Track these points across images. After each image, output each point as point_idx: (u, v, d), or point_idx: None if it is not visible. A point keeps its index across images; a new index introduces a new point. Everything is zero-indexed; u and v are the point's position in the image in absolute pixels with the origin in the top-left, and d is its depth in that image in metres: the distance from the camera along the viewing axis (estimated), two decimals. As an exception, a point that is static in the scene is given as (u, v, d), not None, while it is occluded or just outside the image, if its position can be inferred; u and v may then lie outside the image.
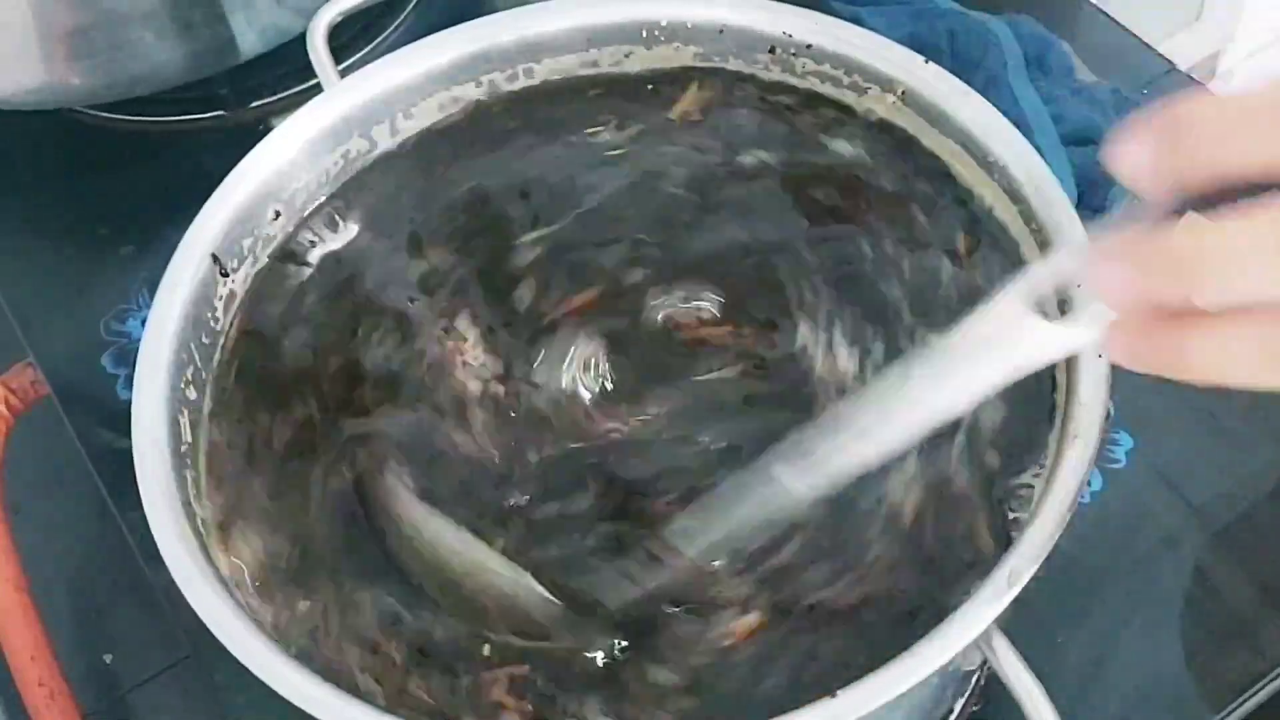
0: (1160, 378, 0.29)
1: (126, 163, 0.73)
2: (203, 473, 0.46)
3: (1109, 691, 0.53)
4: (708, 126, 0.53)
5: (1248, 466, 0.59)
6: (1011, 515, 0.42)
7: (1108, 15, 0.84)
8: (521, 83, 0.55)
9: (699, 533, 0.42)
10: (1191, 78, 0.86)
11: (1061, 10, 0.84)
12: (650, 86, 0.54)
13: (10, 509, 0.60)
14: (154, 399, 0.45)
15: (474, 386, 0.48)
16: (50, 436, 0.63)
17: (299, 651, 0.42)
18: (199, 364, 0.48)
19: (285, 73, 0.73)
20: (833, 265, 0.49)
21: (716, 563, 0.43)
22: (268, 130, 0.51)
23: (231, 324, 0.50)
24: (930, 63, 0.50)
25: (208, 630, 0.40)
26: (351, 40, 0.74)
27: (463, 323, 0.49)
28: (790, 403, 0.46)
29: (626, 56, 0.54)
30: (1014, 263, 0.47)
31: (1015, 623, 0.39)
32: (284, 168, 0.51)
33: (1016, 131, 0.48)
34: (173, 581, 0.41)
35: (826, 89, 0.52)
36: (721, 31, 0.53)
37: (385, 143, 0.54)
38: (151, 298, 0.47)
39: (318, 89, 0.53)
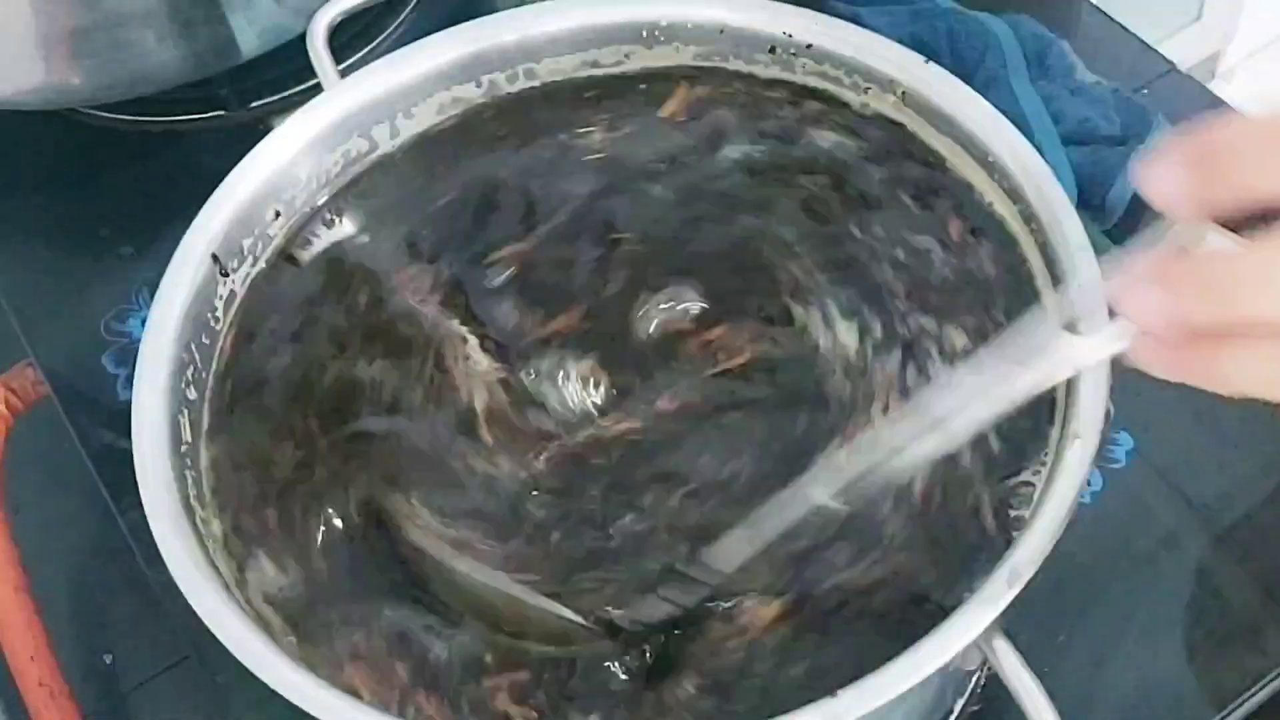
0: (1160, 378, 0.30)
1: (126, 163, 0.73)
2: (207, 491, 0.45)
3: (1109, 691, 0.53)
4: (695, 125, 0.53)
5: (1248, 466, 0.59)
6: (1012, 514, 0.42)
7: (1108, 15, 0.84)
8: (522, 83, 0.55)
9: (738, 553, 0.42)
10: (1192, 78, 0.86)
11: (1061, 10, 0.84)
12: (643, 86, 0.54)
13: (10, 509, 0.60)
14: (154, 399, 0.45)
15: (479, 399, 0.47)
16: (50, 436, 0.63)
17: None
18: (199, 364, 0.48)
19: (285, 73, 0.73)
20: (823, 254, 0.49)
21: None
22: (268, 130, 0.51)
23: (231, 324, 0.50)
24: (930, 63, 0.50)
25: (208, 630, 0.40)
26: (351, 40, 0.74)
27: (462, 331, 0.49)
28: (800, 385, 0.47)
29: (626, 56, 0.54)
30: (1008, 249, 0.48)
31: (1015, 623, 0.39)
32: (284, 168, 0.51)
33: (1016, 131, 0.48)
34: (173, 581, 0.41)
35: (821, 84, 0.52)
36: (722, 31, 0.53)
37: (385, 143, 0.54)
38: (151, 298, 0.47)
39: (318, 89, 0.53)
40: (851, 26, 0.52)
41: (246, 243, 0.50)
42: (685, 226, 0.51)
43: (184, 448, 0.46)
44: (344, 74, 0.54)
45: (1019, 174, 0.47)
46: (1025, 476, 0.42)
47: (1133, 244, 0.30)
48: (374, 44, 0.75)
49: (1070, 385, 0.43)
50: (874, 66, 0.51)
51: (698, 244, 0.50)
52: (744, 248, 0.50)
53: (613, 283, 0.49)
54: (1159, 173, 0.28)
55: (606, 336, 0.48)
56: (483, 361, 0.48)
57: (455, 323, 0.49)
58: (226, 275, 0.50)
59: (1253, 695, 0.53)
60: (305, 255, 0.52)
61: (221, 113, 0.74)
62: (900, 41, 0.51)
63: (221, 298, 0.49)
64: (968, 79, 0.50)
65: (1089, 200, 0.74)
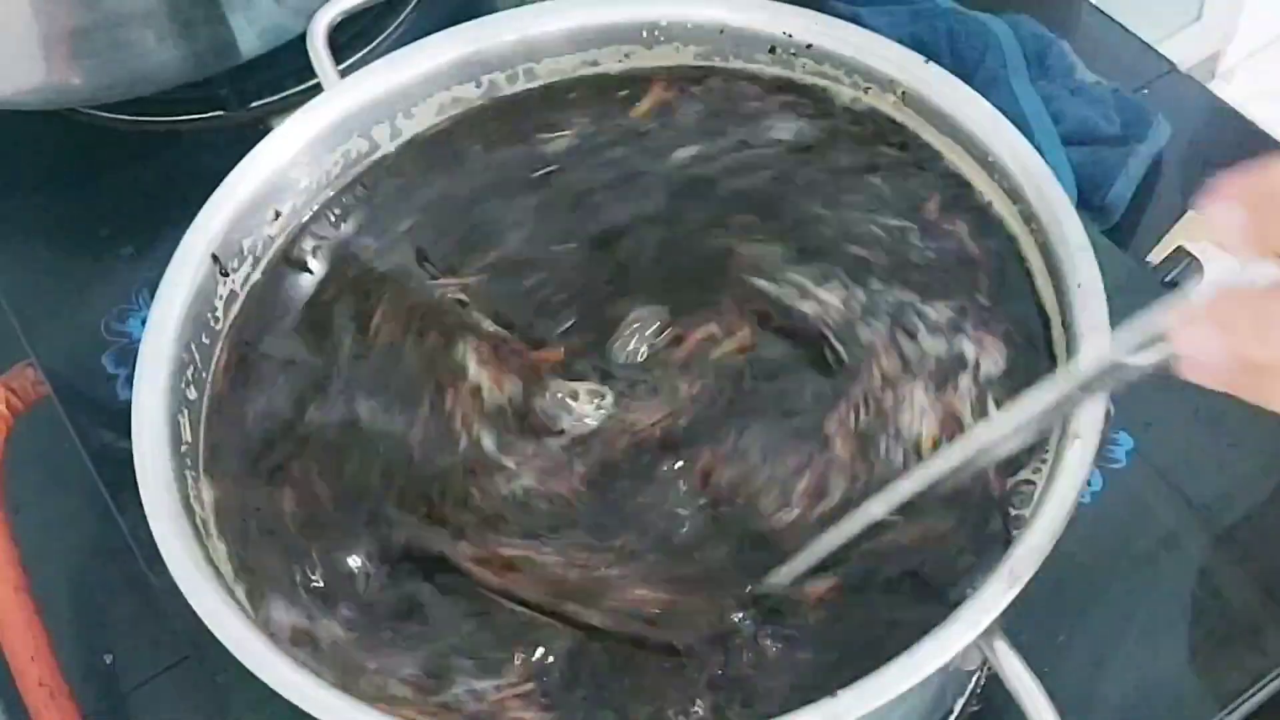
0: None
1: (126, 163, 0.73)
2: (210, 517, 0.45)
3: (1109, 691, 0.53)
4: (666, 126, 0.53)
5: (1248, 466, 0.59)
6: (1012, 514, 0.42)
7: (1108, 15, 0.84)
8: (522, 83, 0.55)
9: (800, 567, 0.42)
10: (1192, 78, 0.86)
11: (1061, 10, 0.84)
12: (621, 90, 0.54)
13: (10, 509, 0.60)
14: (154, 399, 0.45)
15: (488, 437, 0.47)
16: (50, 436, 0.63)
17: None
18: (199, 364, 0.48)
19: (285, 73, 0.73)
20: (789, 236, 0.50)
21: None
22: (268, 130, 0.51)
23: (231, 325, 0.50)
24: (930, 63, 0.50)
25: (208, 630, 0.40)
26: (351, 40, 0.74)
27: (462, 348, 0.49)
28: (799, 350, 0.48)
29: (626, 56, 0.54)
30: (988, 227, 0.49)
31: (1015, 623, 0.39)
32: (284, 168, 0.51)
33: (1016, 131, 0.48)
34: (173, 581, 0.41)
35: (811, 79, 0.53)
36: (722, 31, 0.53)
37: (385, 144, 0.54)
38: (151, 298, 0.47)
39: (318, 89, 0.53)
40: (851, 26, 0.52)
41: (246, 243, 0.50)
42: (644, 237, 0.51)
43: (184, 448, 0.46)
44: (344, 74, 0.54)
45: (1019, 174, 0.47)
46: (1025, 476, 0.42)
47: (1192, 285, 0.30)
48: (374, 44, 0.75)
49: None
50: (874, 66, 0.51)
51: (660, 254, 0.50)
52: (705, 245, 0.50)
53: (577, 316, 0.49)
54: (1219, 211, 0.29)
55: (597, 362, 0.48)
56: (489, 387, 0.48)
57: (456, 345, 0.49)
58: (226, 275, 0.50)
59: (1253, 695, 0.53)
60: (305, 255, 0.52)
61: (221, 113, 0.74)
62: (900, 41, 0.51)
63: (221, 298, 0.49)
64: (968, 79, 0.50)
65: (1089, 200, 0.74)
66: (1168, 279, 0.70)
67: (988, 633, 0.38)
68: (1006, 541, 0.41)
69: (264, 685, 0.39)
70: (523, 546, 0.44)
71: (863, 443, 0.45)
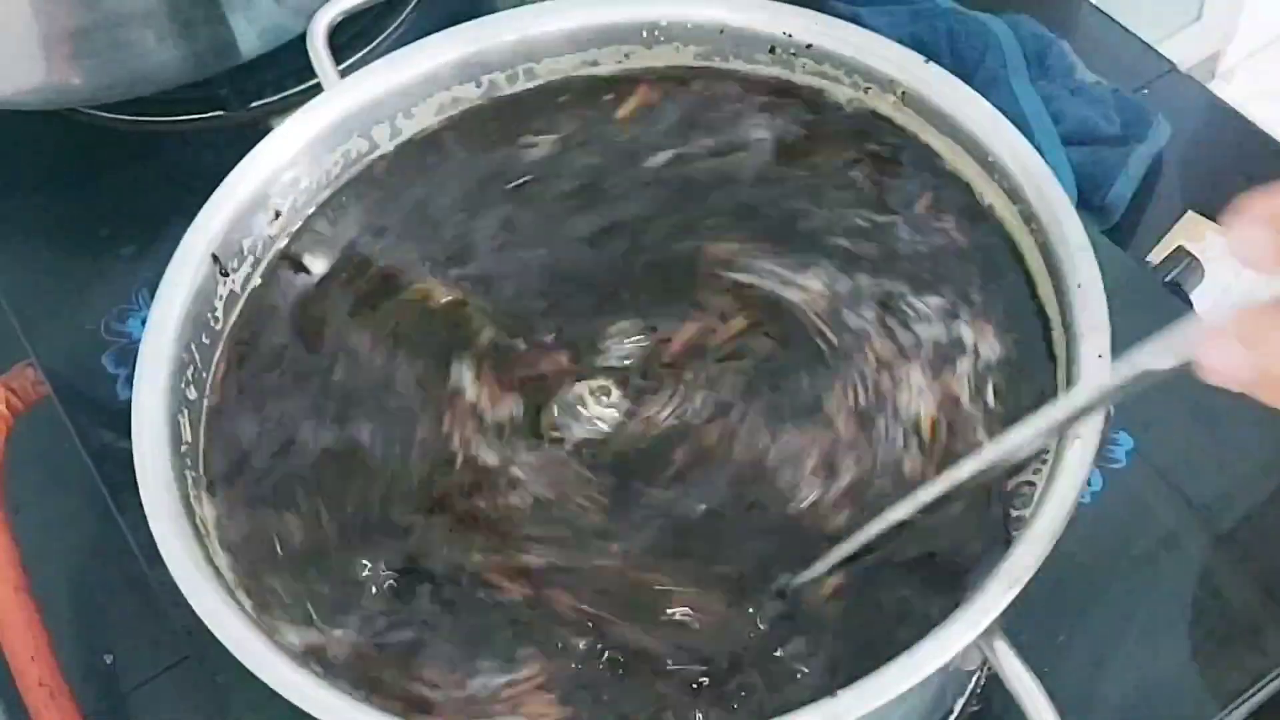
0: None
1: (126, 163, 0.73)
2: (214, 535, 0.45)
3: (1109, 691, 0.53)
4: (649, 128, 0.53)
5: (1248, 466, 0.59)
6: (1013, 514, 0.42)
7: (1108, 15, 0.84)
8: (522, 83, 0.55)
9: (821, 568, 0.43)
10: (1192, 78, 0.86)
11: (1061, 10, 0.84)
12: (608, 93, 0.54)
13: (10, 509, 0.60)
14: (154, 399, 0.45)
15: (490, 452, 0.47)
16: (50, 436, 0.63)
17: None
18: (199, 364, 0.48)
19: (285, 73, 0.73)
20: (766, 230, 0.50)
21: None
22: (268, 130, 0.51)
23: (231, 325, 0.50)
24: (930, 63, 0.50)
25: (208, 630, 0.40)
26: (351, 40, 0.74)
27: (458, 369, 0.48)
28: (792, 336, 0.48)
29: (626, 56, 0.54)
30: (977, 220, 0.49)
31: (1015, 623, 0.39)
32: (284, 168, 0.51)
33: (1016, 131, 0.48)
34: (173, 581, 0.41)
35: (797, 77, 0.53)
36: (722, 31, 0.53)
37: (385, 143, 0.54)
38: (151, 298, 0.47)
39: (318, 89, 0.53)
40: (851, 26, 0.52)
41: (246, 243, 0.50)
42: (617, 242, 0.51)
43: (184, 448, 0.46)
44: (344, 74, 0.54)
45: (1019, 174, 0.47)
46: (1026, 476, 0.42)
47: (1219, 304, 0.31)
48: (374, 44, 0.75)
49: (1070, 386, 0.43)
50: (874, 66, 0.51)
51: (636, 257, 0.50)
52: (679, 245, 0.50)
53: (563, 324, 0.49)
54: (1245, 229, 0.30)
55: (593, 364, 0.48)
56: (485, 406, 0.48)
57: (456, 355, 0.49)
58: (226, 275, 0.50)
59: (1253, 695, 0.53)
60: (305, 255, 0.52)
61: (221, 113, 0.74)
62: (900, 41, 0.51)
63: (221, 298, 0.49)
64: (968, 79, 0.50)
65: (1089, 200, 0.74)
66: (1168, 279, 0.70)
67: (988, 633, 0.38)
68: (1006, 542, 0.41)
69: (264, 685, 0.39)
70: (549, 555, 0.44)
71: (863, 422, 0.45)
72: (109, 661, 0.62)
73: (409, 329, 0.49)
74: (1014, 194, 0.48)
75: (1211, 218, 0.75)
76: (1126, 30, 0.84)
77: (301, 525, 0.45)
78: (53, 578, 0.62)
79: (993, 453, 0.39)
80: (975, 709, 0.53)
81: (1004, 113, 0.49)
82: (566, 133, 0.54)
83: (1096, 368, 0.42)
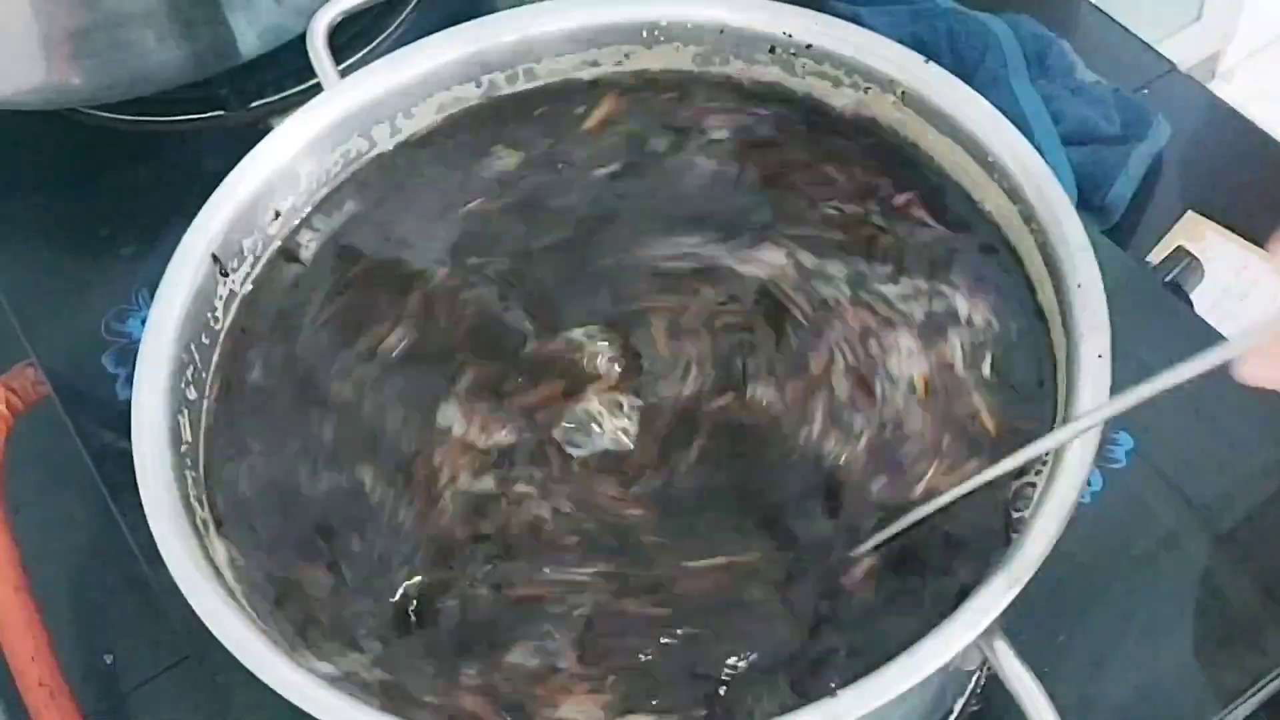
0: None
1: (126, 163, 0.73)
2: (228, 572, 0.45)
3: (1109, 691, 0.53)
4: (610, 138, 0.54)
5: (1248, 466, 0.59)
6: (1014, 515, 0.42)
7: (1108, 15, 0.84)
8: (522, 83, 0.55)
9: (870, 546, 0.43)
10: (1192, 78, 0.86)
11: (1061, 10, 0.84)
12: (579, 102, 0.55)
13: (10, 509, 0.60)
14: (154, 399, 0.45)
15: (482, 483, 0.46)
16: (50, 436, 0.63)
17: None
18: (199, 364, 0.48)
19: (285, 73, 0.73)
20: (724, 225, 0.51)
21: None
22: (268, 130, 0.51)
23: (231, 324, 0.50)
24: (930, 63, 0.50)
25: (208, 630, 0.40)
26: (351, 40, 0.74)
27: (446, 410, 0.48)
28: (764, 311, 0.49)
29: (626, 56, 0.54)
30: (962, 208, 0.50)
31: (1015, 623, 0.39)
32: (284, 168, 0.51)
33: (1016, 131, 0.48)
34: (173, 581, 0.41)
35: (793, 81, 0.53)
36: (722, 32, 0.53)
37: (385, 143, 0.54)
38: (151, 298, 0.47)
39: (318, 89, 0.53)
40: (851, 26, 0.52)
41: (246, 243, 0.50)
42: (571, 256, 0.51)
43: (184, 448, 0.46)
44: (344, 74, 0.54)
45: (1019, 174, 0.47)
46: (1027, 477, 0.42)
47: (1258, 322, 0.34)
48: (374, 44, 0.75)
49: (1070, 386, 0.43)
50: (874, 66, 0.51)
51: (591, 265, 0.51)
52: (629, 249, 0.51)
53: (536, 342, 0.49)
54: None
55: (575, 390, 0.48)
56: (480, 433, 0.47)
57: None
58: (226, 275, 0.50)
59: (1253, 695, 0.53)
60: (305, 255, 0.52)
61: (221, 113, 0.74)
62: (900, 41, 0.51)
63: (221, 298, 0.49)
64: (968, 79, 0.50)
65: (1089, 200, 0.74)
66: (1168, 279, 0.70)
67: (988, 633, 0.38)
68: (1007, 542, 0.41)
69: (264, 685, 0.39)
70: (606, 567, 0.44)
71: (858, 381, 0.46)
72: (109, 661, 0.62)
73: (390, 384, 0.48)
74: (1014, 194, 0.48)
75: (1211, 218, 0.75)
76: (1126, 30, 0.84)
77: (322, 568, 0.45)
78: (53, 578, 0.62)
79: (1030, 451, 0.40)
80: (975, 709, 0.53)
81: (1004, 113, 0.49)
82: (530, 149, 0.54)
83: (1096, 368, 0.42)
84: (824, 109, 0.53)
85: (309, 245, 0.52)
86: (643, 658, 0.42)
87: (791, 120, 0.53)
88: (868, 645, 0.41)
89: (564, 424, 0.47)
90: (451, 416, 0.47)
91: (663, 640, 0.42)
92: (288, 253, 0.52)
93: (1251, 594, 0.56)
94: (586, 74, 0.55)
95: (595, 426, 0.47)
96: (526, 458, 0.46)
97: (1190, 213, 0.76)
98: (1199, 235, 0.75)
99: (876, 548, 0.43)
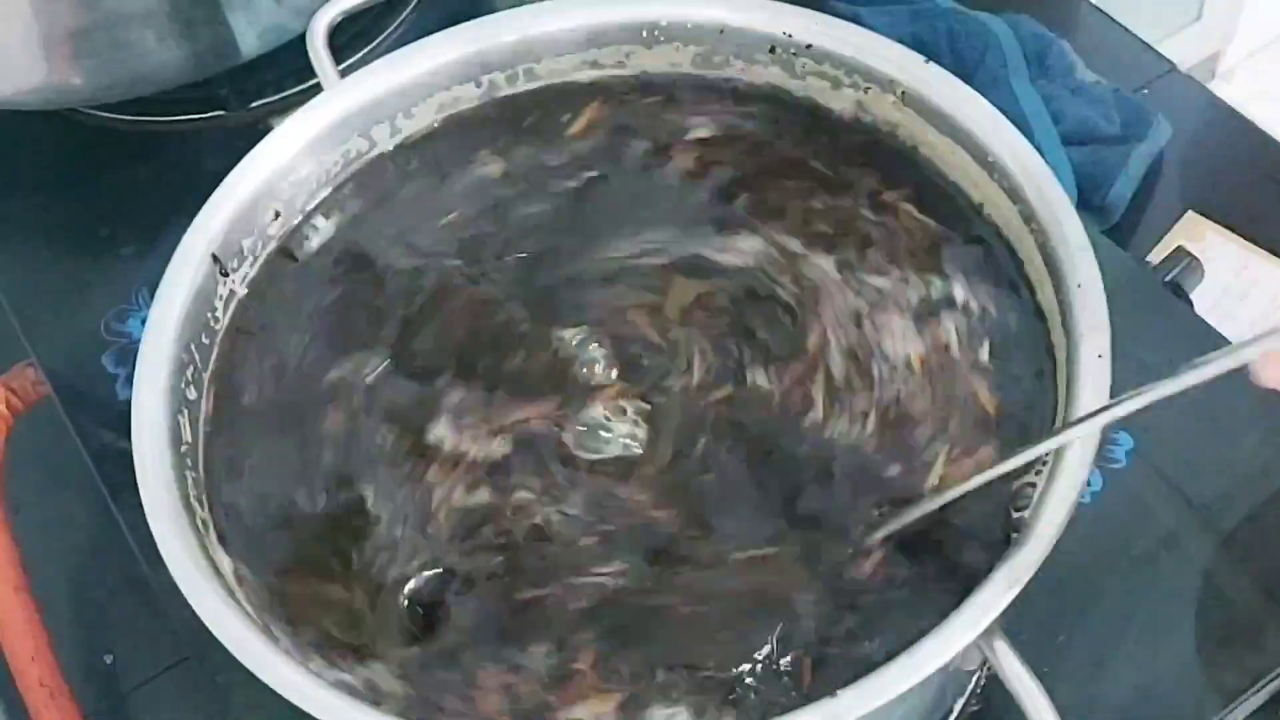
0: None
1: (126, 163, 0.73)
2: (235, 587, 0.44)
3: (1109, 691, 0.53)
4: (588, 146, 0.54)
5: (1248, 466, 0.59)
6: (1014, 515, 0.42)
7: (1108, 15, 0.84)
8: (522, 83, 0.55)
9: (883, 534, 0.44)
10: (1192, 78, 0.86)
11: (1061, 10, 0.84)
12: (566, 117, 0.55)
13: (10, 509, 0.60)
14: (154, 399, 0.45)
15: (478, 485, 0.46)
16: (50, 436, 0.63)
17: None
18: (199, 364, 0.48)
19: (285, 73, 0.73)
20: (697, 222, 0.51)
21: None
22: (268, 130, 0.51)
23: (230, 324, 0.50)
24: (930, 63, 0.50)
25: (208, 630, 0.40)
26: (351, 40, 0.74)
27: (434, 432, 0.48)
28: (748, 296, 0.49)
29: (627, 56, 0.54)
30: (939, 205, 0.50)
31: (1015, 623, 0.39)
32: (284, 168, 0.51)
33: (1016, 131, 0.48)
34: (173, 581, 0.41)
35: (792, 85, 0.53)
36: (722, 32, 0.53)
37: (385, 143, 0.54)
38: (151, 298, 0.47)
39: (318, 89, 0.53)
40: (851, 26, 0.52)
41: (246, 243, 0.50)
42: (547, 263, 0.51)
43: (184, 448, 0.46)
44: (344, 74, 0.54)
45: (1019, 174, 0.47)
46: (1027, 478, 0.42)
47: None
48: (374, 44, 0.75)
49: (1070, 386, 0.43)
50: (874, 66, 0.51)
51: (566, 270, 0.51)
52: (605, 252, 0.51)
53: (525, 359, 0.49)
54: None
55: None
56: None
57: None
58: (226, 275, 0.50)
59: (1254, 695, 0.53)
60: (305, 255, 0.52)
61: (221, 113, 0.74)
62: (900, 41, 0.51)
63: (221, 298, 0.49)
64: (968, 79, 0.50)
65: (1089, 200, 0.74)
66: (1168, 279, 0.70)
67: (988, 633, 0.38)
68: (1006, 542, 0.41)
69: (264, 685, 0.39)
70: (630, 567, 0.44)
71: (854, 362, 0.46)
72: (109, 661, 0.62)
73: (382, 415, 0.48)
74: (1014, 194, 0.48)
75: (1211, 218, 0.75)
76: (1126, 30, 0.84)
77: (337, 587, 0.45)
78: (53, 578, 0.62)
79: (1049, 443, 0.40)
80: (975, 709, 0.53)
81: (1004, 113, 0.49)
82: (514, 157, 0.54)
83: (1096, 368, 0.42)
84: (820, 110, 0.53)
85: (309, 245, 0.52)
86: (660, 654, 0.42)
87: (789, 121, 0.53)
88: (878, 636, 0.41)
89: (576, 428, 0.47)
90: (442, 434, 0.47)
91: (680, 636, 0.42)
92: (288, 253, 0.52)
93: (1252, 594, 0.56)
94: (585, 75, 0.55)
95: (604, 432, 0.47)
96: (533, 464, 0.46)
97: (1190, 213, 0.76)
98: (1199, 235, 0.75)
99: (886, 538, 0.43)
